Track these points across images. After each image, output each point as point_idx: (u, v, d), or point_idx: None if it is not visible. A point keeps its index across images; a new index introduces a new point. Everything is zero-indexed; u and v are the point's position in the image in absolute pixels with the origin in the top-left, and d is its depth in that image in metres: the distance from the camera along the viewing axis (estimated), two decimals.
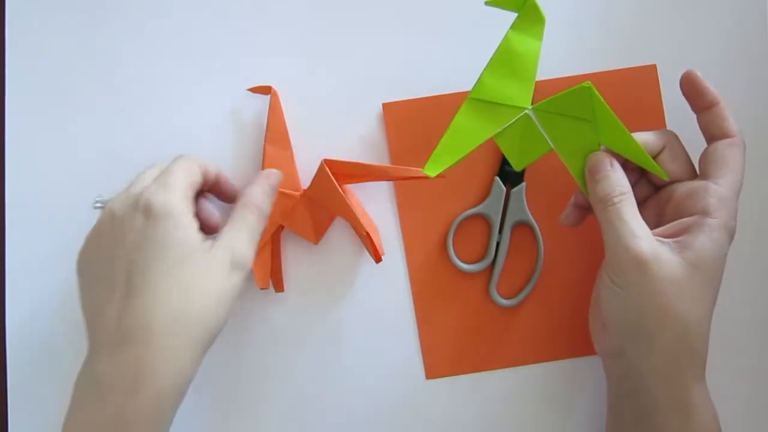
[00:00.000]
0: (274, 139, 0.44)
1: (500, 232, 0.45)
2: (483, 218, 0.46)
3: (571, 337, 0.45)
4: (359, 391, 0.45)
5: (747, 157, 0.39)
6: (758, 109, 0.46)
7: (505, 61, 0.37)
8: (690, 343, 0.36)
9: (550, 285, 0.46)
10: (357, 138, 0.46)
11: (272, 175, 0.42)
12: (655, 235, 0.37)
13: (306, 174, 0.44)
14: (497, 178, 0.45)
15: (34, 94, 0.46)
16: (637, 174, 0.41)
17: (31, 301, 0.45)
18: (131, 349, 0.33)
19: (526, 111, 0.38)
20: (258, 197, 0.40)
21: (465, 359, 0.46)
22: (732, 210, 0.37)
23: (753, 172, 0.42)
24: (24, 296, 0.45)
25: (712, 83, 0.39)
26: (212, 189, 0.42)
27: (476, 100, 0.38)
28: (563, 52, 0.46)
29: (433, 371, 0.46)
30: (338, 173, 0.42)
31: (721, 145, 0.38)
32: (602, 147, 0.38)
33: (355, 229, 0.43)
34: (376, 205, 0.46)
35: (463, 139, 0.38)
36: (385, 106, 0.46)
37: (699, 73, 0.39)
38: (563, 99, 0.37)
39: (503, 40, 0.38)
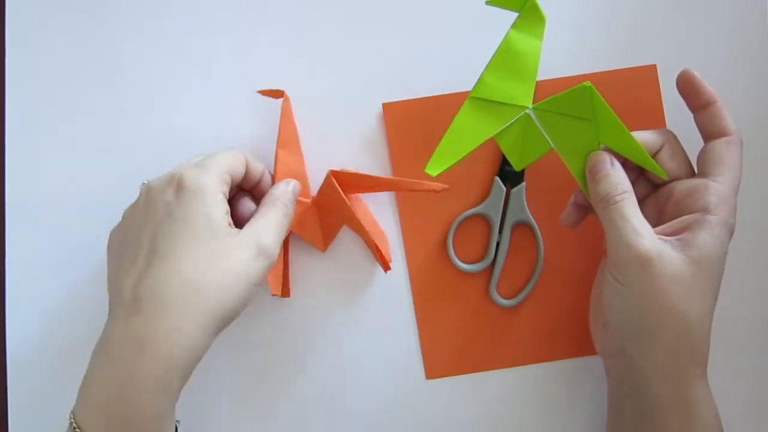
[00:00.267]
0: (286, 144, 0.43)
1: (500, 232, 0.45)
2: (483, 218, 0.46)
3: (571, 337, 0.45)
4: (359, 391, 0.45)
5: (747, 156, 0.39)
6: (758, 109, 0.46)
7: (505, 60, 0.38)
8: (692, 342, 0.36)
9: (550, 285, 0.46)
10: (357, 138, 0.46)
11: (293, 182, 0.42)
12: (656, 233, 0.37)
13: (311, 177, 0.44)
14: (497, 178, 0.45)
15: (34, 94, 0.46)
16: (636, 173, 0.41)
17: (31, 301, 0.45)
18: (142, 314, 0.34)
19: (527, 110, 0.38)
20: (287, 196, 0.40)
21: (465, 359, 0.46)
22: (732, 207, 0.37)
23: (753, 172, 0.42)
24: (24, 296, 0.45)
25: (712, 83, 0.39)
26: (254, 189, 0.42)
27: (477, 99, 0.38)
28: (564, 52, 0.46)
29: (433, 371, 0.46)
30: (345, 183, 0.42)
31: (718, 143, 0.38)
32: (602, 146, 0.39)
33: (363, 238, 0.43)
34: (376, 205, 0.46)
35: (464, 138, 0.38)
36: (385, 106, 0.46)
37: (696, 72, 0.39)
38: (564, 98, 0.37)
39: (504, 39, 0.38)
